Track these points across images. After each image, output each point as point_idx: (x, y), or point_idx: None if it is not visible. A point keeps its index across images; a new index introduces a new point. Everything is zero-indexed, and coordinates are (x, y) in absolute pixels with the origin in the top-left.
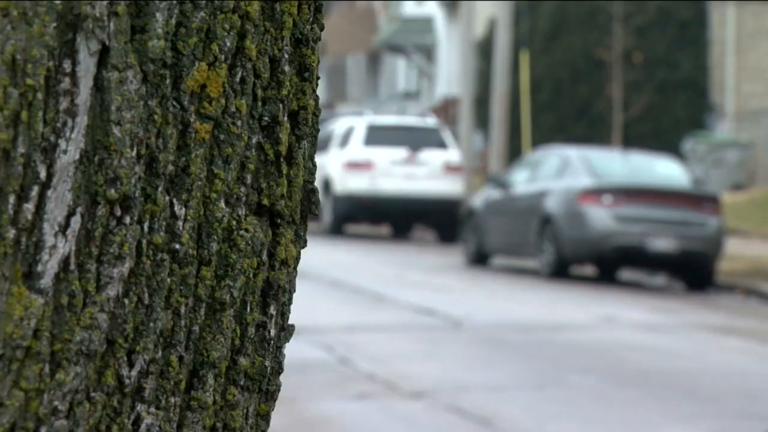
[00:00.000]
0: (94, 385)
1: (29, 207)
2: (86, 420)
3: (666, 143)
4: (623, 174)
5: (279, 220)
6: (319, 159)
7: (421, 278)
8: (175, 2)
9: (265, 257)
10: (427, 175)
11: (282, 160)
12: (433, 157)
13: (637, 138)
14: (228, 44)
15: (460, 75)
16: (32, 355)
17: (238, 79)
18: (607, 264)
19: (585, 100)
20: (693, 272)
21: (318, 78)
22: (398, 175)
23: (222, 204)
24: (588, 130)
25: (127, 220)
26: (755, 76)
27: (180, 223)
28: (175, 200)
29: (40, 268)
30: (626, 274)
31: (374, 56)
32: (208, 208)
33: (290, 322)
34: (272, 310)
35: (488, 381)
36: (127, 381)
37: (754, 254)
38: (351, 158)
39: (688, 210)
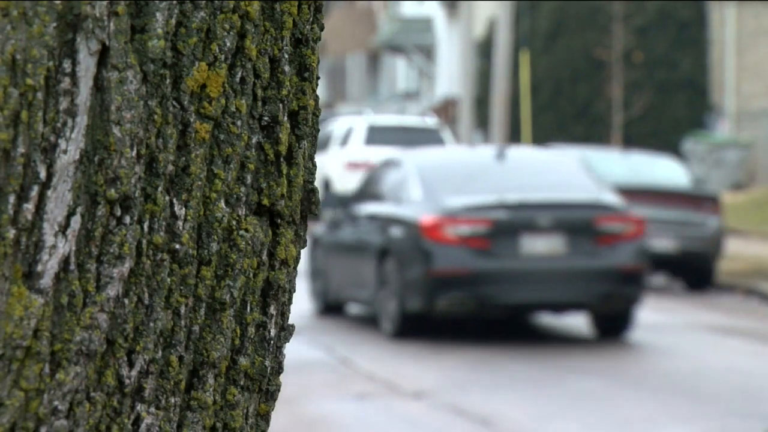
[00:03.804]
0: (94, 385)
1: (29, 207)
2: (86, 420)
3: (666, 143)
4: (623, 174)
5: (279, 220)
6: (319, 159)
7: None
8: (175, 2)
9: (265, 257)
10: None
11: (282, 160)
12: None
13: (637, 138)
14: (228, 44)
15: (460, 75)
16: (32, 355)
17: (238, 79)
18: None
19: (585, 100)
20: (693, 272)
21: (318, 78)
22: None
23: (222, 204)
24: (588, 130)
25: (127, 220)
26: (755, 76)
27: (180, 223)
28: (175, 200)
29: (40, 268)
30: None
31: (374, 56)
32: (208, 208)
33: (290, 322)
34: (272, 310)
35: (488, 381)
36: (127, 381)
37: (754, 254)
38: (351, 158)
39: (688, 210)
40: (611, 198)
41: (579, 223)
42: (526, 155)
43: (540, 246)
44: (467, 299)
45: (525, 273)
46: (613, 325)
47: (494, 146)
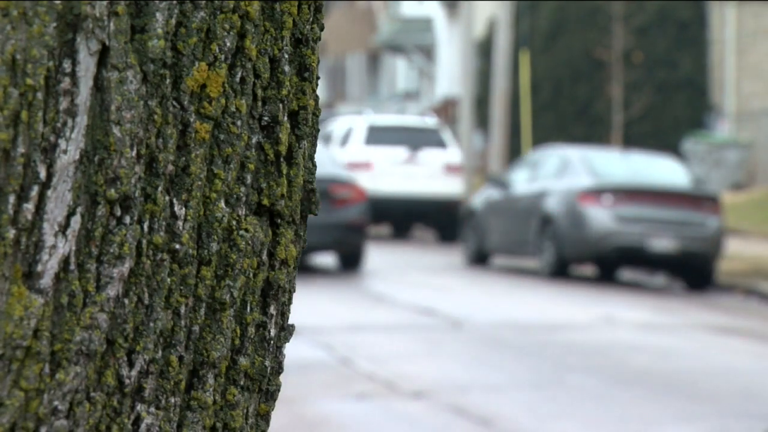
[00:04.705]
0: (94, 385)
1: (29, 207)
2: (86, 420)
3: (666, 143)
4: (623, 174)
5: (279, 220)
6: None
7: (421, 278)
8: (175, 2)
9: (265, 257)
10: (427, 175)
11: (282, 160)
12: (433, 157)
13: (637, 138)
14: (228, 44)
15: (460, 75)
16: (32, 355)
17: (238, 79)
18: (607, 264)
19: (585, 100)
20: (693, 272)
21: (318, 78)
22: (398, 175)
23: (222, 204)
24: (588, 130)
25: (127, 220)
26: (755, 76)
27: (180, 223)
28: (175, 200)
29: (40, 268)
30: (626, 274)
31: (374, 56)
32: (208, 208)
33: (290, 322)
34: (272, 310)
35: (488, 381)
36: (127, 381)
37: (754, 254)
38: (351, 158)
39: (688, 210)
40: (343, 172)
41: (319, 190)
42: None
43: None
44: None
45: None
46: (350, 262)
47: None
